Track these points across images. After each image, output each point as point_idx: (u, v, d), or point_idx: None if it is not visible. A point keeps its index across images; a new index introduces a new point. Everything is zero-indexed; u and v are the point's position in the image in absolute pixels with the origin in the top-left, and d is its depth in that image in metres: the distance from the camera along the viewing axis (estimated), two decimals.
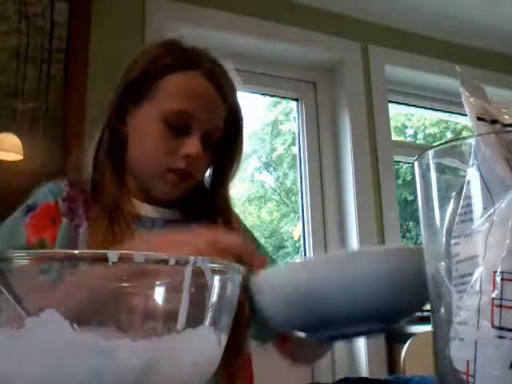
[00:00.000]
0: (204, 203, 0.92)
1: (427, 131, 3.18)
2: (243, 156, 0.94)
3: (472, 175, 0.33)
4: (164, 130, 0.83)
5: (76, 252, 0.33)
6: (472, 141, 0.33)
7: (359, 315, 0.50)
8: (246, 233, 0.99)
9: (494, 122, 0.36)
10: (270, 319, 0.55)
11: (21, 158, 1.66)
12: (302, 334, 0.59)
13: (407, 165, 2.77)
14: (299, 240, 2.35)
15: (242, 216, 1.01)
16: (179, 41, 0.90)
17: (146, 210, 0.88)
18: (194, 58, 0.86)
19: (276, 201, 2.83)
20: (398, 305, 0.51)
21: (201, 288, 0.35)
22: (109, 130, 0.88)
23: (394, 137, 2.61)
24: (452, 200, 0.34)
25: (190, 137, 0.84)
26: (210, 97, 0.85)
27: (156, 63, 0.85)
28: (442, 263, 0.34)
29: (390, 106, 2.43)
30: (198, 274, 0.34)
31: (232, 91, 0.89)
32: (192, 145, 0.83)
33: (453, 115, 2.78)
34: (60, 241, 0.80)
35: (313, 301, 0.49)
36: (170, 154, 0.84)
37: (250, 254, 0.58)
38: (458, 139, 0.34)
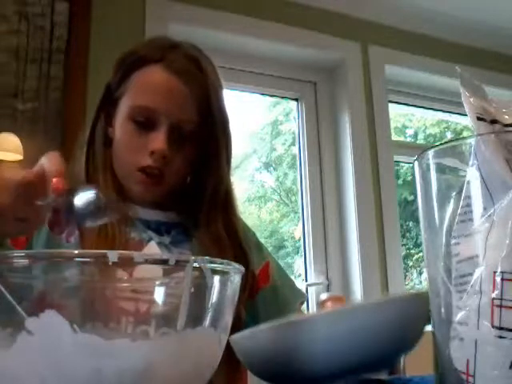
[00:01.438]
0: (199, 203, 0.88)
1: (427, 131, 3.18)
2: (230, 154, 0.90)
3: (472, 175, 0.33)
4: (131, 128, 0.82)
5: (76, 252, 0.33)
6: (472, 141, 0.33)
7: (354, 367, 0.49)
8: (250, 237, 0.96)
9: (493, 121, 0.36)
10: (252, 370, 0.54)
11: (21, 158, 1.66)
12: None
13: (407, 165, 2.77)
14: (299, 240, 2.35)
15: (241, 216, 0.97)
16: (159, 37, 0.90)
17: (139, 212, 0.87)
18: (161, 51, 0.84)
19: (276, 201, 2.83)
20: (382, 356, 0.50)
21: (201, 288, 0.35)
22: (100, 134, 0.87)
23: (394, 137, 2.61)
24: (452, 200, 0.34)
25: (155, 132, 0.81)
26: (173, 89, 0.82)
27: (127, 62, 0.85)
28: (442, 263, 0.34)
29: (390, 106, 2.43)
30: (198, 274, 0.34)
31: (203, 84, 0.84)
32: (156, 140, 0.80)
33: (453, 115, 2.77)
34: (39, 246, 0.79)
35: (301, 361, 0.47)
36: (138, 151, 0.82)
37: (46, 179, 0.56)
38: (457, 139, 0.34)
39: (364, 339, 0.47)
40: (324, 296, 0.81)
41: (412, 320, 0.49)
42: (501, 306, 0.30)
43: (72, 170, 0.88)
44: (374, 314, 0.48)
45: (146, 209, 0.87)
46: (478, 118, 0.35)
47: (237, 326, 0.45)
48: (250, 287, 0.87)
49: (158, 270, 0.34)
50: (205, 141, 0.86)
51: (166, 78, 0.82)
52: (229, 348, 0.45)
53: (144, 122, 0.82)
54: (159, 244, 0.82)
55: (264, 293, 0.92)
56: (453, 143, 0.35)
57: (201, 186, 0.88)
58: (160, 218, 0.88)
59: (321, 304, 0.79)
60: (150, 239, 0.83)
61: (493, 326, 0.30)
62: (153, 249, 0.79)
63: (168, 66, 0.82)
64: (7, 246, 0.76)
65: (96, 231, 0.78)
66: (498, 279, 0.30)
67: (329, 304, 0.76)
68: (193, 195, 0.89)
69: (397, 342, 0.50)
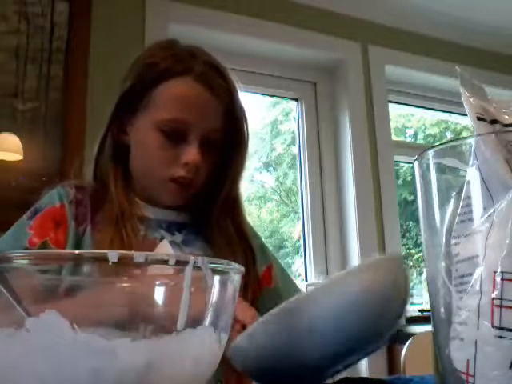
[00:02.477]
0: (212, 204, 0.90)
1: (427, 131, 3.18)
2: (247, 155, 0.92)
3: (472, 175, 0.32)
4: (161, 140, 0.83)
5: (76, 252, 0.33)
6: (472, 141, 0.33)
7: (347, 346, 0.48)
8: (255, 239, 0.97)
9: (493, 121, 0.36)
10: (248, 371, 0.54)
11: (21, 158, 1.66)
12: None
13: (407, 165, 2.77)
14: (299, 240, 2.35)
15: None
16: (172, 43, 0.89)
17: (151, 211, 0.88)
18: (185, 62, 0.84)
19: (276, 201, 2.83)
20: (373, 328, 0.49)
21: (201, 288, 0.35)
22: (111, 139, 0.87)
23: (394, 137, 2.61)
24: (452, 200, 0.34)
25: (187, 144, 0.83)
26: (204, 101, 0.83)
27: (149, 72, 0.85)
28: (442, 263, 0.34)
29: (390, 106, 2.43)
30: (198, 274, 0.34)
31: (227, 91, 0.87)
32: (189, 152, 0.82)
33: (453, 115, 2.77)
34: (69, 245, 0.80)
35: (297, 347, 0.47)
36: (170, 163, 0.83)
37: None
38: (458, 139, 0.34)
39: (356, 308, 0.46)
40: None
41: (398, 281, 0.49)
42: (501, 306, 0.30)
43: (79, 172, 0.89)
44: (361, 278, 0.48)
45: (157, 208, 0.88)
46: (478, 118, 0.35)
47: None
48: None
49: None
50: (227, 146, 0.88)
51: (196, 91, 0.83)
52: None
53: (173, 134, 0.83)
54: (171, 243, 0.83)
55: (266, 293, 0.92)
56: (453, 143, 0.35)
57: (215, 188, 0.90)
58: (171, 218, 0.89)
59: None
60: (163, 238, 0.84)
61: (493, 326, 0.30)
62: (165, 247, 0.80)
63: (196, 78, 0.83)
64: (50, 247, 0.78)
65: (110, 235, 0.79)
66: (498, 279, 0.30)
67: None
68: (205, 197, 0.90)
69: (388, 304, 0.49)
